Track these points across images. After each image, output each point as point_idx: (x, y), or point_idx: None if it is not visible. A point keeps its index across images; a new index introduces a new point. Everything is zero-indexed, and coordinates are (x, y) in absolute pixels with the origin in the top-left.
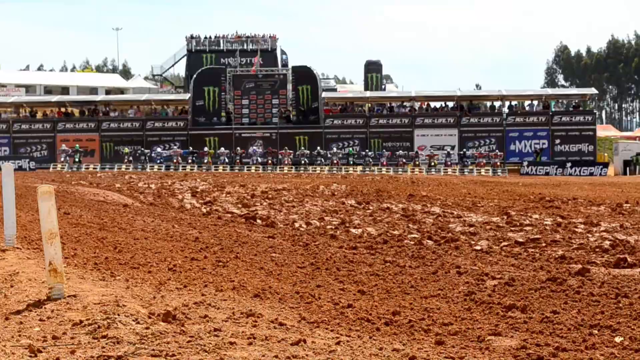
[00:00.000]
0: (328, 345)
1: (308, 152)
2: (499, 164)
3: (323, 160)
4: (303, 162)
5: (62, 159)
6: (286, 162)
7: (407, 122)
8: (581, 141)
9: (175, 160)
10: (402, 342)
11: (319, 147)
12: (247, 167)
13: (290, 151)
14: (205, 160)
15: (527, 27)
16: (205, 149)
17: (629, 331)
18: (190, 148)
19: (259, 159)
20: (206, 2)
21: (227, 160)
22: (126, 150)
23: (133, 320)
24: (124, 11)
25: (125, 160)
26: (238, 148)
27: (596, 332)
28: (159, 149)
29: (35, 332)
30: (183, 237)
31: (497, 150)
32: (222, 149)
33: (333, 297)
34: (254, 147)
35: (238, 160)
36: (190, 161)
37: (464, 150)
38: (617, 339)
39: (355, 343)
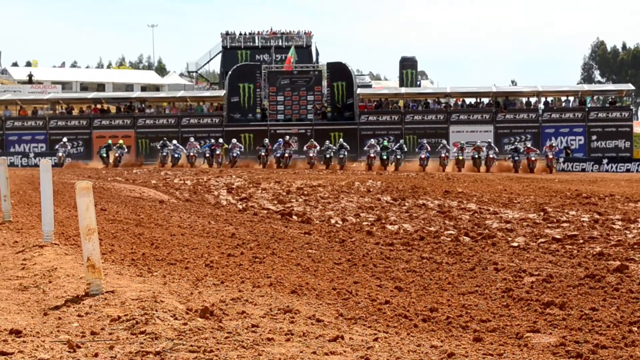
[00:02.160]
0: (366, 342)
1: (333, 146)
2: (551, 157)
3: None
4: (329, 155)
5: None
6: (311, 155)
7: (442, 118)
8: (618, 137)
9: (192, 154)
10: (440, 339)
11: (341, 140)
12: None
13: (316, 144)
14: (218, 152)
15: (563, 23)
16: (220, 140)
17: None
18: (212, 140)
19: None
20: None
21: (239, 153)
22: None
23: (171, 316)
24: (159, 8)
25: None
26: (266, 140)
27: (636, 329)
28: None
29: (74, 327)
30: (219, 233)
31: (552, 141)
32: (235, 140)
33: (370, 294)
34: (280, 141)
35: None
36: (207, 155)
37: (515, 144)
38: None
39: (393, 339)
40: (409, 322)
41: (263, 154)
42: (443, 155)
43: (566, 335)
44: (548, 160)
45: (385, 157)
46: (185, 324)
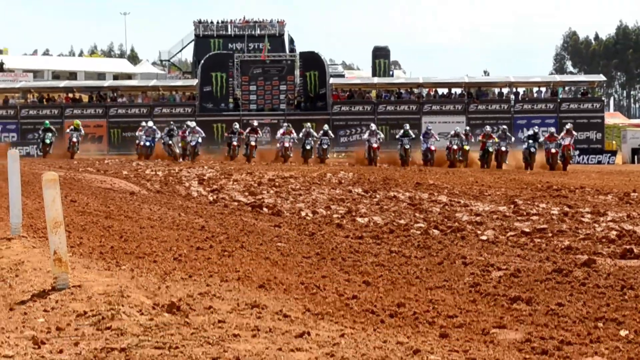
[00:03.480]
0: (332, 338)
1: (314, 132)
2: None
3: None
4: (309, 146)
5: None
6: (287, 145)
7: (414, 108)
8: (589, 129)
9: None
10: (407, 335)
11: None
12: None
13: (292, 130)
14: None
15: (535, 13)
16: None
17: (635, 324)
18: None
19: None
20: None
21: (200, 142)
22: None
23: (137, 312)
24: None
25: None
26: (236, 125)
27: (601, 325)
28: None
29: (40, 323)
30: (189, 225)
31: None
32: (193, 124)
33: (338, 288)
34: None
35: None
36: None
37: (533, 128)
38: (622, 332)
39: (360, 335)
40: (376, 318)
41: (235, 143)
42: (454, 147)
43: (532, 331)
44: (564, 149)
45: (407, 147)
46: (151, 319)
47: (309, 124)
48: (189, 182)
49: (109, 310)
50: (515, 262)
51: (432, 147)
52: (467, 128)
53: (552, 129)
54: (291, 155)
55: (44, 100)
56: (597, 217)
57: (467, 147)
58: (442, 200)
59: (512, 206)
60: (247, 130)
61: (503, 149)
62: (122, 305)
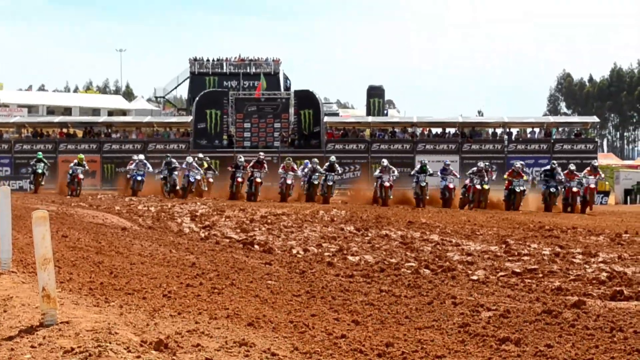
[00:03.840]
0: None
1: (320, 168)
2: (593, 187)
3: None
4: (316, 182)
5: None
6: (289, 182)
7: (408, 147)
8: (582, 169)
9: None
10: None
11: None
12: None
13: (294, 166)
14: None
15: (530, 55)
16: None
17: None
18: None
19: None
20: (210, 24)
21: (198, 178)
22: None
23: (124, 349)
24: (128, 33)
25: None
26: (241, 158)
27: None
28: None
29: (26, 359)
30: (180, 262)
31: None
32: (190, 159)
33: (327, 327)
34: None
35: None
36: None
37: (552, 166)
38: None
39: None
40: (364, 357)
41: (239, 179)
42: (477, 186)
43: None
44: (586, 190)
45: (423, 185)
46: (138, 357)
47: (315, 160)
48: (181, 218)
49: (96, 347)
50: (505, 303)
51: (451, 185)
52: (487, 163)
53: (572, 166)
54: (292, 194)
55: (38, 135)
56: (589, 258)
57: (486, 186)
58: (433, 239)
59: (504, 246)
60: (252, 163)
61: (521, 188)
62: (110, 342)
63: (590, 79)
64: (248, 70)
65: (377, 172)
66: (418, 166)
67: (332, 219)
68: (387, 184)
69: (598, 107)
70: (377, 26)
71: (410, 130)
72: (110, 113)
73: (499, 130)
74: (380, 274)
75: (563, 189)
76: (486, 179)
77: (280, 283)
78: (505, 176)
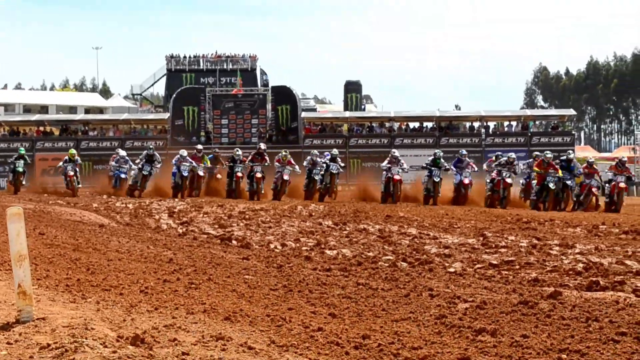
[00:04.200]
0: None
1: (320, 160)
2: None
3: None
4: (317, 177)
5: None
6: (285, 178)
7: (386, 142)
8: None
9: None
10: None
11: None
12: None
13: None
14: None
15: (507, 49)
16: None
17: (598, 356)
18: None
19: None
20: (186, 21)
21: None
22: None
23: (101, 344)
24: (104, 30)
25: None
26: (238, 151)
27: (565, 356)
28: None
29: (2, 355)
30: (157, 258)
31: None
32: (184, 152)
33: (304, 320)
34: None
35: None
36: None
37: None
38: None
39: None
40: (340, 350)
41: (239, 173)
42: (508, 179)
43: None
44: (614, 190)
45: (437, 180)
46: (114, 352)
47: (315, 151)
48: (158, 215)
49: (72, 343)
50: (481, 294)
51: (467, 180)
52: (513, 155)
53: (591, 159)
54: (287, 191)
55: (15, 133)
56: (565, 249)
57: (509, 180)
58: (411, 232)
59: (481, 238)
60: (251, 155)
61: (569, 183)
62: (86, 338)
63: (567, 72)
64: (225, 67)
65: (384, 164)
66: (431, 158)
67: (310, 214)
68: (397, 177)
69: (575, 100)
70: (354, 21)
71: (387, 125)
72: (87, 111)
73: (476, 124)
74: (358, 268)
75: (578, 186)
76: (508, 171)
77: (257, 277)
78: (535, 168)
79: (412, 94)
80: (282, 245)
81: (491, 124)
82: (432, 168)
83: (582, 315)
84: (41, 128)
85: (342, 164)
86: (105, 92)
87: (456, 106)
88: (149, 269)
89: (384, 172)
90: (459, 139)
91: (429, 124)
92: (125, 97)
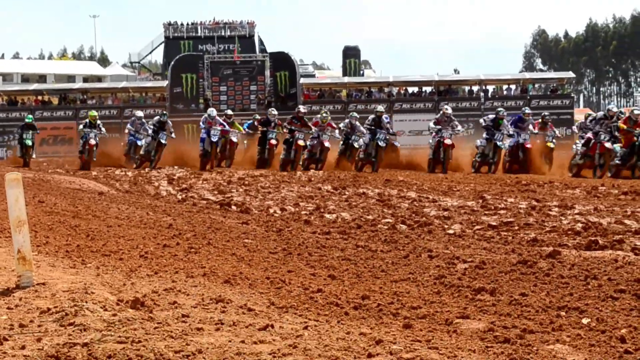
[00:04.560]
0: (295, 330)
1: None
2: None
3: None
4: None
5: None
6: (325, 144)
7: (385, 107)
8: (559, 125)
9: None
10: (370, 326)
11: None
12: None
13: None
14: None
15: (505, 12)
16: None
17: (597, 312)
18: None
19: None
20: None
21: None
22: None
23: (101, 308)
24: None
25: None
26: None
27: (564, 314)
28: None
29: (2, 320)
30: (157, 224)
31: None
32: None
33: (303, 282)
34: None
35: None
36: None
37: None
38: (584, 321)
39: (323, 327)
40: (340, 310)
41: (273, 140)
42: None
43: (495, 320)
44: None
45: (501, 146)
46: (114, 314)
47: (354, 114)
48: (158, 182)
49: (72, 307)
50: (480, 255)
51: (528, 144)
52: (546, 114)
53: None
54: (323, 160)
55: (13, 103)
56: (565, 210)
57: (551, 145)
58: (411, 196)
59: (481, 201)
60: (289, 119)
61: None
62: (86, 302)
63: (566, 35)
64: (223, 34)
65: (432, 124)
66: (491, 117)
67: (309, 179)
68: (447, 141)
69: (574, 62)
70: None
71: (386, 90)
72: (86, 80)
73: (475, 88)
74: (357, 231)
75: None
76: (549, 134)
77: (257, 241)
78: (621, 125)
79: (411, 59)
80: (282, 209)
81: (490, 88)
82: (493, 131)
83: (581, 274)
84: (39, 97)
85: (392, 131)
86: (104, 61)
87: (455, 70)
88: (148, 234)
89: (433, 135)
90: (458, 103)
91: (428, 89)
92: (124, 66)
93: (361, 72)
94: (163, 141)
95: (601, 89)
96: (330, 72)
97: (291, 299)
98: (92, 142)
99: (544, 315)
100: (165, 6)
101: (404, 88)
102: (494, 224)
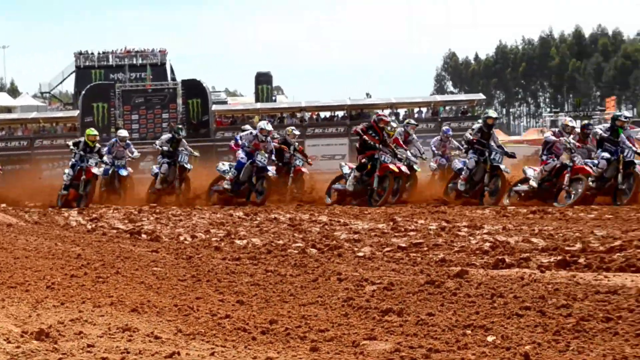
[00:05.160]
0: (202, 357)
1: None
2: None
3: None
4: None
5: None
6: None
7: (298, 132)
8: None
9: None
10: (277, 350)
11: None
12: None
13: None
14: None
15: (416, 35)
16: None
17: (502, 330)
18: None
19: None
20: (94, 18)
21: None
22: None
23: (4, 340)
24: (11, 29)
25: None
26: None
27: (469, 332)
28: None
29: None
30: (65, 254)
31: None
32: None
33: (212, 309)
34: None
35: None
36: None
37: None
38: (489, 338)
39: (230, 353)
40: (247, 335)
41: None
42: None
43: (402, 341)
44: None
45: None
46: (18, 347)
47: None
48: (68, 212)
49: None
50: (389, 276)
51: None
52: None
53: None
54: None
55: None
56: (474, 230)
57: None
58: (322, 220)
59: (391, 223)
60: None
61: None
62: None
63: (476, 57)
64: (134, 62)
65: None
66: (606, 125)
67: (221, 206)
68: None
69: (484, 84)
70: (263, 13)
71: (299, 115)
72: None
73: (387, 112)
74: (267, 256)
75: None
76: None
77: (166, 269)
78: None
79: (323, 84)
80: (192, 237)
81: (402, 111)
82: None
83: (488, 292)
84: None
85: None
86: (13, 92)
87: (367, 94)
88: (56, 265)
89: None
90: None
91: (340, 113)
92: (34, 96)
93: (273, 97)
94: (187, 165)
95: (511, 110)
96: (243, 98)
97: (199, 326)
98: (95, 171)
99: (450, 334)
100: (76, 36)
101: (316, 113)
102: (403, 245)
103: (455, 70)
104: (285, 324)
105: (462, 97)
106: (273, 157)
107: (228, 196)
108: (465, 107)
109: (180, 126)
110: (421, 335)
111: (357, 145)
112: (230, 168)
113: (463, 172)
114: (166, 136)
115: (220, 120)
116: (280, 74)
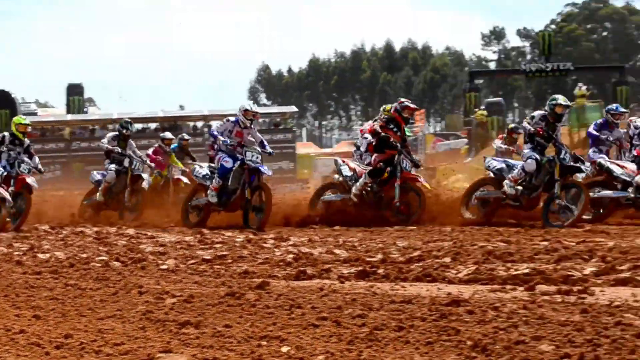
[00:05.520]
0: None
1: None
2: None
3: None
4: None
5: None
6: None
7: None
8: (282, 159)
9: None
10: None
11: None
12: None
13: None
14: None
15: (229, 47)
16: None
17: (297, 340)
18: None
19: None
20: None
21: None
22: None
23: None
24: None
25: None
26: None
27: (265, 343)
28: None
29: None
30: None
31: None
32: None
33: (7, 324)
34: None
35: None
36: None
37: None
38: (284, 349)
39: None
40: (41, 350)
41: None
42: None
43: (197, 353)
44: None
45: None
46: None
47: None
48: None
49: None
50: (191, 289)
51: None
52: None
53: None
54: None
55: None
56: (280, 242)
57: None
58: (129, 233)
59: (199, 236)
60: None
61: None
62: None
63: (289, 70)
64: None
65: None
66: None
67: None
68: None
69: (297, 97)
70: (75, 24)
71: (110, 127)
72: None
73: (199, 124)
74: (70, 269)
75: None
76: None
77: None
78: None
79: (136, 96)
80: None
81: (214, 123)
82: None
83: (287, 303)
84: None
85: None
86: None
87: (180, 106)
88: None
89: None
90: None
91: (153, 125)
92: None
93: (85, 109)
94: (144, 175)
95: (323, 122)
96: (54, 110)
97: None
98: (30, 181)
99: (245, 345)
100: None
101: None
102: (208, 257)
103: (269, 83)
104: (81, 338)
105: (275, 109)
106: (269, 149)
107: (102, 208)
108: (278, 119)
109: (129, 119)
110: (217, 347)
111: (368, 142)
112: (210, 173)
113: (516, 174)
114: (112, 133)
115: (30, 132)
116: (93, 86)
